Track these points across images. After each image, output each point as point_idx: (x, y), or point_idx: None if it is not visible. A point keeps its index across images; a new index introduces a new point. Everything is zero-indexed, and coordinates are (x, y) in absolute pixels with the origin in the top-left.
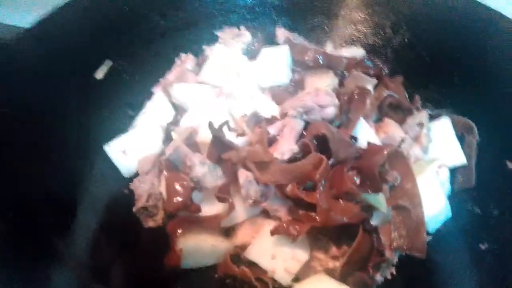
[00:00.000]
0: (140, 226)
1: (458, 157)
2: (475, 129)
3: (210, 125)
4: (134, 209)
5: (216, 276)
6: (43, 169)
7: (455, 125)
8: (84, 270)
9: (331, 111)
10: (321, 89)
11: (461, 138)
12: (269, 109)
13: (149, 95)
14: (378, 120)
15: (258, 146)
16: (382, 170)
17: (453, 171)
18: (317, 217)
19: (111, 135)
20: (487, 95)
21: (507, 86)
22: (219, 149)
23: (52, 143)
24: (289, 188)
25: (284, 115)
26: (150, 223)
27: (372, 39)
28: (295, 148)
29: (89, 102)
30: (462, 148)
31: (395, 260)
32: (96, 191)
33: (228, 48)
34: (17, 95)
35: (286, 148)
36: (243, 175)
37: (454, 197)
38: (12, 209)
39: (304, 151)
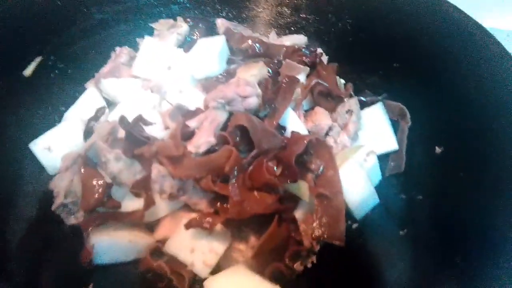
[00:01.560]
0: (63, 224)
1: (390, 143)
2: (408, 114)
3: (122, 119)
4: (53, 207)
5: (137, 271)
6: None
7: (390, 110)
8: (11, 278)
9: (253, 101)
10: (243, 79)
11: (395, 124)
12: (197, 101)
13: (82, 91)
14: (310, 109)
15: (169, 140)
16: (305, 159)
17: (385, 157)
18: (230, 209)
19: (41, 133)
20: (423, 81)
21: (443, 73)
22: (133, 144)
23: None
24: (203, 181)
25: (207, 107)
26: (72, 221)
27: (315, 25)
28: (212, 140)
29: (18, 101)
30: (396, 133)
31: (317, 248)
32: (24, 191)
33: (162, 40)
34: None
35: (202, 140)
36: (156, 170)
37: (384, 183)
38: None
39: (224, 143)
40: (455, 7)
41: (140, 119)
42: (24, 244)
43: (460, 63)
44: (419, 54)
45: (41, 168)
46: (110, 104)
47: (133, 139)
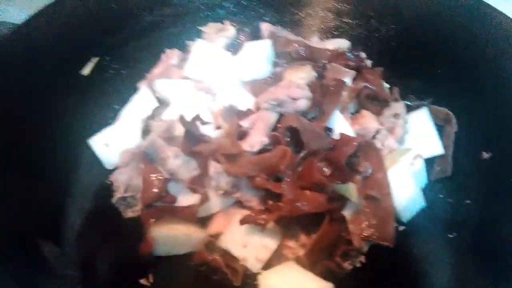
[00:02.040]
0: (120, 216)
1: (435, 147)
2: (454, 120)
3: (181, 118)
4: (113, 200)
5: (191, 264)
6: (29, 165)
7: (435, 115)
8: (70, 269)
9: (302, 103)
10: (293, 82)
11: (441, 129)
12: (246, 102)
13: (135, 90)
14: (356, 112)
15: (226, 139)
16: (353, 161)
17: (431, 161)
18: (283, 207)
19: (97, 129)
20: (469, 87)
21: (488, 78)
22: (191, 142)
23: (38, 139)
24: (257, 180)
25: (258, 108)
26: (130, 214)
27: (358, 30)
28: (265, 140)
29: (76, 98)
30: (441, 138)
31: (365, 248)
32: (82, 185)
33: (211, 43)
34: (3, 90)
35: (256, 140)
36: (213, 167)
37: (430, 187)
38: None
39: (275, 143)
40: (502, 14)
41: (197, 118)
42: (81, 235)
43: (507, 69)
44: (464, 59)
45: (97, 162)
46: (162, 104)
47: (192, 137)
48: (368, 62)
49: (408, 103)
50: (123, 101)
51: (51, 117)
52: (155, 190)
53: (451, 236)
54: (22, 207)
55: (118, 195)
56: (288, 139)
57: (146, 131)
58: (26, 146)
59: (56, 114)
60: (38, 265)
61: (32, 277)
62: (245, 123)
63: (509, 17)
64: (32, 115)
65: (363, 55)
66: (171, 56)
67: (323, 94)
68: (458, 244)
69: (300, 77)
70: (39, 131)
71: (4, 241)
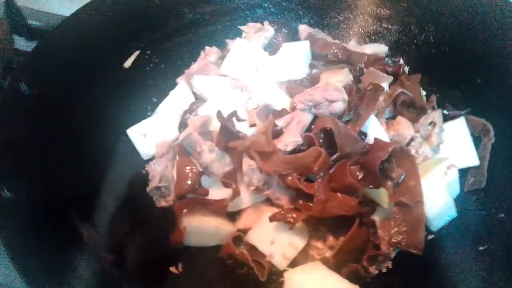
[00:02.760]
0: (153, 205)
1: (471, 158)
2: (492, 131)
3: (219, 114)
4: (147, 189)
5: (218, 256)
6: (70, 151)
7: (472, 126)
8: (102, 251)
9: (339, 106)
10: (331, 84)
11: (476, 139)
12: (282, 102)
13: (173, 84)
14: (391, 118)
15: (261, 137)
16: (386, 166)
17: (465, 172)
18: (313, 207)
19: (135, 120)
20: (507, 98)
21: None
22: (227, 137)
23: (79, 126)
24: (290, 178)
25: (293, 108)
26: (163, 203)
27: (397, 36)
28: (299, 140)
29: (117, 89)
30: (477, 149)
31: (393, 254)
32: (117, 172)
33: (250, 42)
34: (50, 79)
35: (290, 139)
36: (247, 163)
37: (463, 198)
38: (36, 194)
39: (308, 143)
40: None
41: (234, 115)
42: (115, 220)
43: None
44: (504, 71)
45: (134, 152)
46: (199, 99)
47: (227, 132)
48: (406, 69)
49: (445, 111)
50: (162, 95)
51: (93, 106)
52: (189, 182)
53: (481, 248)
54: (62, 186)
55: (152, 184)
56: (322, 141)
57: (182, 125)
58: (69, 130)
59: (97, 103)
60: (73, 243)
61: (66, 253)
62: (280, 122)
63: None
64: (76, 103)
65: (401, 61)
66: (210, 53)
67: (360, 98)
68: (489, 257)
69: (337, 79)
70: (82, 118)
71: (43, 215)
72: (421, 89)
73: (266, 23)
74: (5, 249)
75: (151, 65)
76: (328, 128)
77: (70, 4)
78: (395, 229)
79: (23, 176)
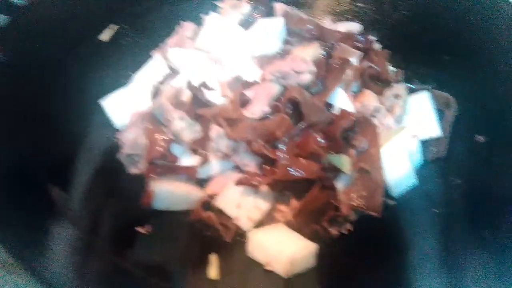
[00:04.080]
0: (125, 172)
1: (434, 129)
2: (454, 104)
3: (189, 83)
4: (119, 155)
5: (187, 220)
6: (44, 120)
7: (436, 99)
8: (77, 217)
9: (306, 77)
10: (298, 56)
11: (440, 112)
12: (253, 74)
13: (149, 59)
14: (359, 91)
15: (229, 104)
16: (350, 135)
17: (428, 142)
18: (277, 171)
19: (110, 91)
20: (471, 74)
21: (489, 67)
22: (197, 106)
23: (54, 96)
24: (255, 145)
25: (263, 79)
26: (134, 170)
27: (371, 15)
28: (266, 109)
29: (93, 61)
30: (440, 121)
31: (352, 217)
32: (92, 141)
33: (225, 17)
34: (25, 49)
35: (257, 108)
36: (214, 130)
37: (424, 167)
38: (11, 162)
39: (276, 112)
40: (508, 2)
41: (204, 85)
42: (88, 185)
43: (508, 58)
44: (470, 48)
45: (108, 122)
46: (173, 72)
47: (197, 101)
48: (377, 46)
49: (412, 86)
50: (137, 68)
51: (68, 77)
52: (159, 149)
53: (437, 211)
54: (36, 154)
55: (124, 151)
56: (290, 111)
57: (156, 95)
58: (44, 100)
59: (72, 74)
60: (46, 207)
61: (42, 220)
62: (249, 93)
63: None
64: (51, 73)
65: (372, 37)
66: (186, 28)
67: (327, 70)
68: (444, 220)
69: (307, 53)
70: (57, 88)
71: (17, 183)
72: (391, 65)
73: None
74: None
75: (127, 39)
76: (295, 98)
77: None
78: (356, 194)
79: None
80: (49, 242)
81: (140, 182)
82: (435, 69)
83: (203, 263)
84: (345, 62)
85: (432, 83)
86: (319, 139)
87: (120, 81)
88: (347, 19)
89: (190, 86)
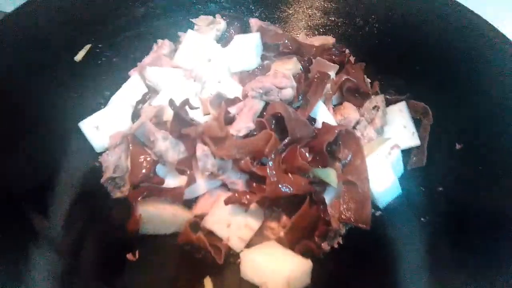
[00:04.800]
0: (108, 196)
1: (412, 139)
2: (430, 113)
3: (171, 102)
4: (101, 180)
5: (175, 243)
6: (20, 144)
7: (413, 109)
8: (59, 244)
9: (288, 92)
10: (280, 72)
11: (417, 122)
12: (234, 91)
13: (126, 78)
14: (339, 104)
15: (214, 123)
16: (334, 148)
17: (408, 152)
18: (267, 189)
19: (88, 113)
20: (444, 83)
21: (463, 77)
22: (180, 125)
23: (29, 120)
24: (243, 162)
25: (245, 96)
26: (118, 194)
27: (343, 28)
28: (251, 125)
29: (69, 83)
30: (418, 130)
31: (343, 231)
32: (71, 165)
33: (202, 34)
34: None
35: (242, 125)
36: (200, 149)
37: (406, 176)
38: None
39: (261, 128)
40: (472, 13)
41: (186, 103)
42: (70, 212)
43: (478, 65)
44: (440, 58)
45: (86, 146)
46: (152, 91)
47: (180, 120)
48: (352, 58)
49: (388, 96)
50: (114, 88)
51: (43, 100)
52: (143, 171)
53: (423, 220)
54: (12, 180)
55: (107, 175)
56: (273, 126)
57: (135, 116)
58: (19, 124)
59: (48, 97)
60: (28, 236)
61: (20, 247)
62: (232, 110)
63: (482, 19)
64: (25, 97)
65: (347, 51)
66: (163, 46)
67: (308, 85)
68: (430, 228)
69: (287, 68)
70: (31, 111)
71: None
72: (366, 76)
73: (218, 16)
74: None
75: (103, 59)
76: (279, 113)
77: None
78: (344, 206)
79: None
80: (29, 272)
81: (124, 206)
82: (408, 80)
83: None
84: (325, 76)
85: (406, 94)
86: (306, 153)
87: (98, 102)
88: (321, 33)
89: (172, 105)
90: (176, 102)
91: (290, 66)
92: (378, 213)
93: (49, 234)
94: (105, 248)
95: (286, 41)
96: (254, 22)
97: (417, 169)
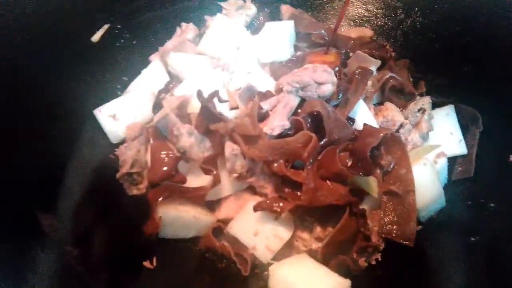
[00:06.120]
0: (123, 193)
1: (459, 147)
2: (480, 120)
3: (199, 93)
4: (117, 175)
5: (196, 248)
6: (29, 134)
7: (460, 114)
8: (66, 245)
9: (328, 88)
10: (319, 65)
11: (465, 128)
12: (266, 84)
13: (146, 63)
14: (379, 104)
15: (246, 119)
16: (376, 154)
17: (453, 160)
18: (302, 196)
19: (104, 100)
20: (496, 87)
21: None
22: (208, 119)
23: (41, 106)
24: (276, 165)
25: (279, 90)
26: (134, 191)
27: (383, 20)
28: (286, 124)
29: (84, 65)
30: (465, 137)
31: (382, 246)
32: (83, 156)
33: (230, 19)
34: (10, 54)
35: (276, 123)
36: (229, 148)
37: (450, 187)
38: None
39: (296, 128)
40: None
41: (215, 95)
42: (81, 211)
43: None
44: (493, 58)
45: (101, 135)
46: (174, 79)
47: (208, 114)
48: (393, 54)
49: (433, 98)
50: (133, 74)
51: (56, 84)
52: (164, 168)
53: (470, 240)
54: (20, 172)
55: (123, 170)
56: (309, 126)
57: (157, 106)
58: (29, 111)
59: (61, 81)
60: (34, 236)
61: (26, 248)
62: (265, 105)
63: None
64: (38, 80)
65: (388, 45)
66: (187, 30)
67: (348, 81)
68: (477, 250)
69: (326, 61)
70: (44, 97)
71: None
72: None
73: (248, 0)
74: None
75: (122, 41)
76: (315, 112)
77: None
78: (385, 219)
79: None
80: (34, 276)
81: (140, 205)
82: (455, 81)
83: None
84: (367, 72)
85: (452, 96)
86: (346, 158)
87: (114, 88)
88: (357, 24)
89: (200, 96)
90: (204, 94)
91: (331, 59)
92: (419, 227)
93: (56, 234)
94: (118, 252)
95: (323, 31)
96: (285, 8)
97: (463, 181)
